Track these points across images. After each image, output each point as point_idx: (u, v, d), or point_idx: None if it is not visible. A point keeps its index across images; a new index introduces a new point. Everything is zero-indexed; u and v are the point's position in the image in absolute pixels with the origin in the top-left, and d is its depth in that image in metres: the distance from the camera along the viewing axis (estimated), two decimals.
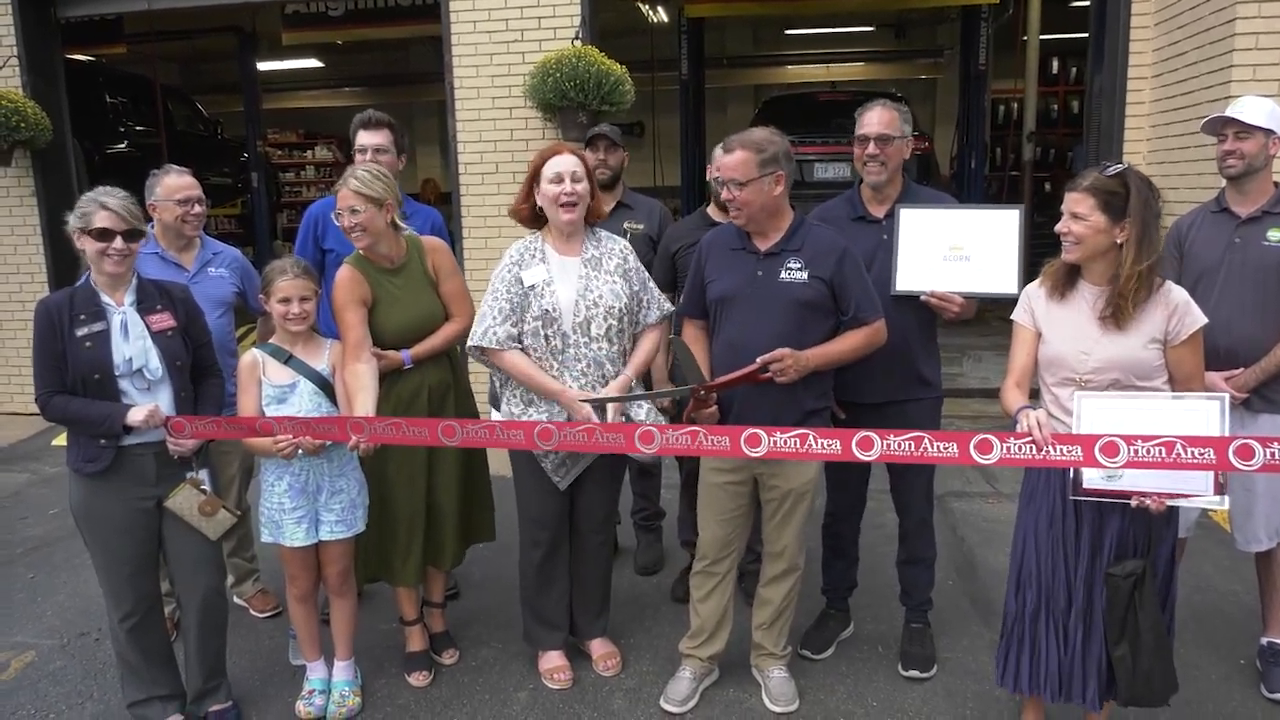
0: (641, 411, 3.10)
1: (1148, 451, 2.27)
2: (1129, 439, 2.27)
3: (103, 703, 3.28)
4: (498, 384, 3.23)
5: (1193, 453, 2.24)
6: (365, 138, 3.67)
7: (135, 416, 2.70)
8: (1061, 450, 2.35)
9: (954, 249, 3.08)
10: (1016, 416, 2.47)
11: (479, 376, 3.32)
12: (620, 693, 3.28)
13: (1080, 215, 2.44)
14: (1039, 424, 2.37)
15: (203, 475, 2.90)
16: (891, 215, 3.18)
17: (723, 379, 2.85)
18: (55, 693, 3.36)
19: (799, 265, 2.92)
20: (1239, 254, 3.08)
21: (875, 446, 2.49)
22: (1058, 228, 2.49)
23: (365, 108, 3.81)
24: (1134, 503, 2.37)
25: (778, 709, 3.12)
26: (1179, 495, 2.36)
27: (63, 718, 3.22)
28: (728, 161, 2.88)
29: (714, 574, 3.14)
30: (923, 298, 3.07)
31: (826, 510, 3.48)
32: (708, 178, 3.68)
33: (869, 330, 2.94)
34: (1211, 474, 2.32)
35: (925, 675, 3.31)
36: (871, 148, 3.15)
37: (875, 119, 3.16)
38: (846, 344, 2.93)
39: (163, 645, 3.05)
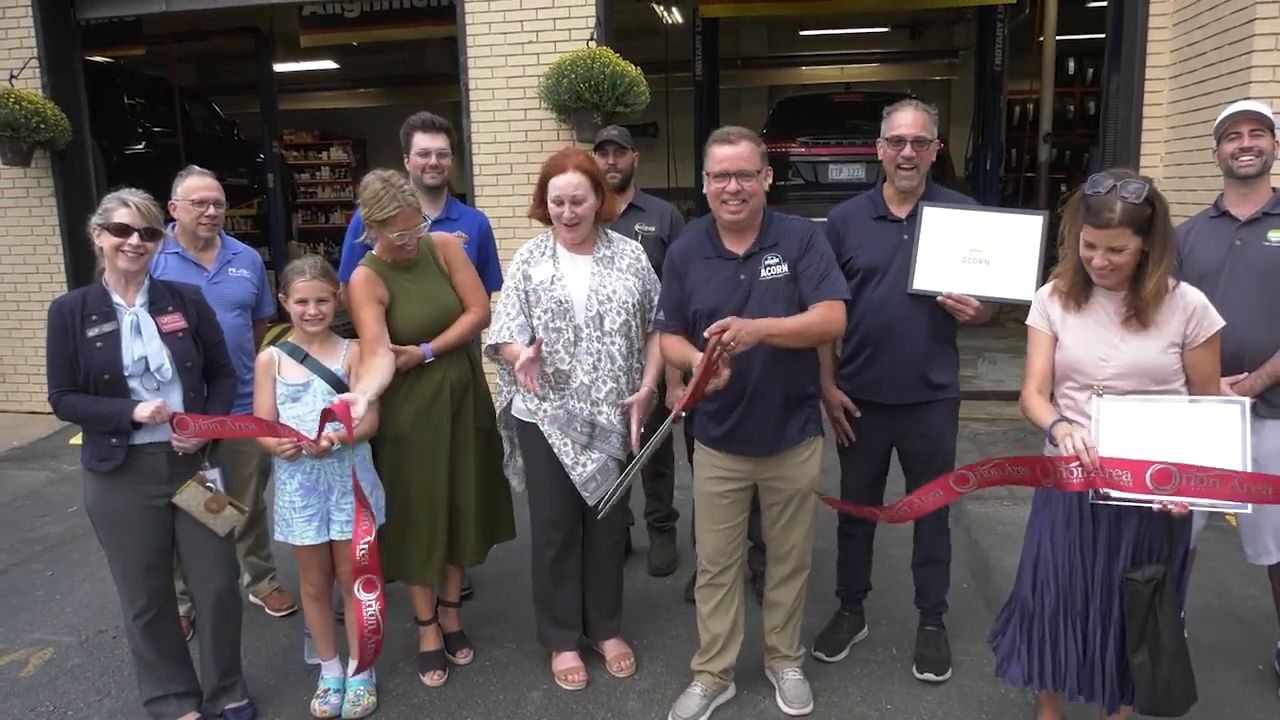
0: (615, 443, 3.16)
1: (1201, 481, 2.23)
2: (1183, 468, 2.24)
3: (120, 700, 3.30)
4: (507, 382, 3.23)
5: (1251, 488, 2.21)
6: (426, 141, 3.66)
7: (142, 412, 2.72)
8: (1111, 475, 2.30)
9: (974, 251, 3.05)
10: (1052, 432, 2.42)
11: (494, 378, 3.33)
12: (634, 694, 3.28)
13: (1119, 248, 2.37)
14: (1085, 446, 2.30)
15: (214, 474, 2.92)
16: (913, 216, 3.13)
17: (688, 391, 2.67)
18: (73, 689, 3.39)
19: (777, 260, 2.85)
20: (1240, 256, 3.05)
21: (970, 482, 2.44)
22: (1096, 263, 2.39)
23: (380, 109, 3.84)
24: (1157, 508, 2.35)
25: (792, 711, 3.11)
26: (1202, 500, 2.33)
27: (81, 714, 3.24)
28: (737, 151, 2.76)
29: (720, 585, 3.09)
30: (939, 298, 3.04)
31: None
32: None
33: (828, 306, 2.78)
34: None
35: (940, 678, 3.30)
36: (908, 150, 3.06)
37: (910, 120, 3.07)
38: (803, 319, 2.76)
39: (177, 642, 3.07)
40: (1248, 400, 2.38)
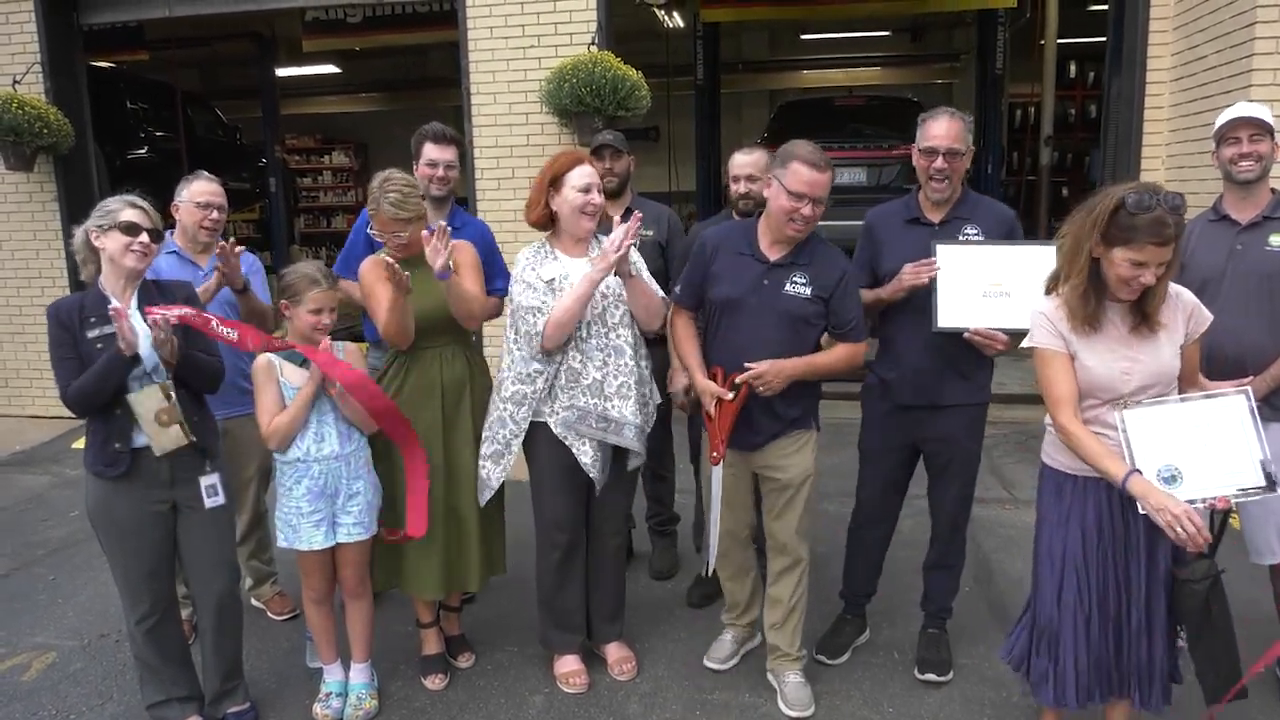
0: (630, 435, 3.15)
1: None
2: None
3: (122, 704, 3.31)
4: (541, 389, 3.15)
5: None
6: (436, 152, 3.68)
7: (124, 345, 2.66)
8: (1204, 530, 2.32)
9: (994, 285, 3.02)
10: (1128, 489, 2.34)
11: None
12: (635, 697, 3.28)
13: (1166, 260, 2.35)
14: (1196, 525, 2.24)
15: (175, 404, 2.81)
16: (947, 222, 3.13)
17: (724, 432, 2.99)
18: (76, 693, 3.40)
19: (804, 280, 2.97)
20: (1241, 261, 3.05)
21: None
22: (1145, 280, 2.34)
23: (382, 113, 3.83)
24: (1203, 506, 2.34)
25: (793, 714, 3.12)
26: (1236, 493, 2.36)
27: (83, 718, 3.25)
28: (822, 179, 2.89)
29: (729, 557, 3.29)
30: (966, 335, 3.02)
31: (853, 514, 3.47)
32: (735, 188, 3.65)
33: (853, 348, 3.05)
34: (1259, 462, 2.33)
35: (942, 679, 3.30)
36: (940, 161, 3.03)
37: (944, 131, 3.04)
38: (830, 358, 3.03)
39: (180, 646, 3.07)
40: (1249, 388, 2.40)
